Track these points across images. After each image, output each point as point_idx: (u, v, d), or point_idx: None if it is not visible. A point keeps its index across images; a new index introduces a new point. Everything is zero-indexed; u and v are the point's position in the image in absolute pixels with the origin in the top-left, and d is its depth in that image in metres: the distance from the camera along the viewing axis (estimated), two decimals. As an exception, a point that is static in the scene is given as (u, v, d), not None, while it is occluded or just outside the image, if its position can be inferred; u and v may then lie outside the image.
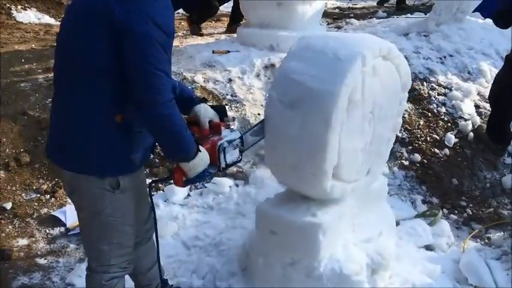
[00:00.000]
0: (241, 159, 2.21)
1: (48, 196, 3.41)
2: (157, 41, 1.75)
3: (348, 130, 2.23)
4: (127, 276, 2.27)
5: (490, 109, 4.23)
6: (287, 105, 2.22)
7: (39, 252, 2.98)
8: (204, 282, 2.71)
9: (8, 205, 3.27)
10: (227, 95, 4.16)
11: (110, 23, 1.73)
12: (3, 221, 3.18)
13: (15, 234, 3.11)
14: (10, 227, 3.16)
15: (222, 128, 2.16)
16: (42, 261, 2.92)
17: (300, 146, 2.20)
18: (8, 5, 6.16)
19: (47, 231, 3.16)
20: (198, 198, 3.47)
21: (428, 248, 3.17)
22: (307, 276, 2.38)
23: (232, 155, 2.12)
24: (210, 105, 2.21)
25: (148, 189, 2.11)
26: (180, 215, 3.29)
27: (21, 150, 3.64)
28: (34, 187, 3.46)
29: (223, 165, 2.10)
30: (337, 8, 8.07)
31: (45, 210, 3.30)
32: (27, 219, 3.22)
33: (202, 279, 2.72)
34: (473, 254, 3.07)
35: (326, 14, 7.22)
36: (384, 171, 3.81)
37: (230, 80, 4.28)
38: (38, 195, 3.41)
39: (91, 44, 1.77)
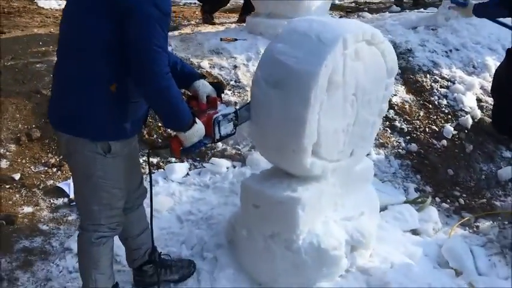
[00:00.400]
0: (235, 132, 2.36)
1: (55, 169, 3.60)
2: (156, 20, 1.93)
3: (328, 110, 2.34)
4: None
5: (493, 101, 4.28)
6: (271, 85, 2.34)
7: (42, 220, 3.17)
8: (192, 252, 2.86)
9: (17, 176, 3.47)
10: (231, 80, 4.29)
11: (112, 2, 1.91)
12: (11, 190, 3.39)
13: (22, 202, 3.31)
14: (17, 195, 3.36)
15: (218, 103, 2.33)
16: (44, 227, 3.11)
17: (281, 124, 2.32)
18: (30, -10, 6.42)
19: (51, 201, 3.35)
20: (196, 177, 3.62)
21: (415, 233, 3.25)
22: (286, 249, 2.50)
23: (226, 128, 2.29)
24: (209, 82, 2.37)
25: (147, 156, 2.31)
26: (177, 191, 3.44)
27: (33, 126, 3.84)
28: (43, 160, 3.66)
29: (217, 137, 2.26)
30: (354, 2, 8.11)
31: (51, 182, 3.49)
32: (33, 190, 3.42)
33: (191, 250, 2.88)
34: (458, 239, 3.15)
35: (341, 8, 7.31)
36: (376, 156, 3.91)
37: (235, 67, 4.42)
38: (46, 168, 3.60)
39: (93, 17, 1.96)
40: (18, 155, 3.66)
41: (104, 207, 2.23)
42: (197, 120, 2.14)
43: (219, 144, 3.82)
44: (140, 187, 2.50)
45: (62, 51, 2.13)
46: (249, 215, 2.60)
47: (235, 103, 4.08)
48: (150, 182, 2.36)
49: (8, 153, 3.62)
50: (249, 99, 4.17)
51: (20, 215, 3.17)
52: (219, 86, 2.40)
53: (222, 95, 2.45)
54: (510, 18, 3.92)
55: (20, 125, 3.83)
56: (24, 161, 3.64)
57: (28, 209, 3.25)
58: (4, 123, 3.78)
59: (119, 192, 2.25)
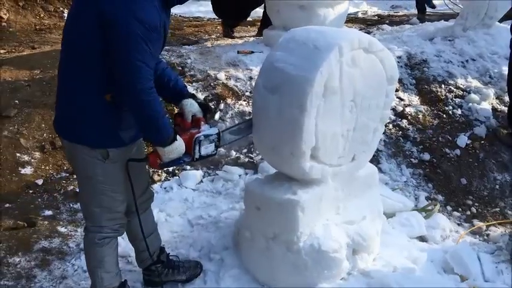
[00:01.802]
0: (215, 153, 2.42)
1: (75, 176, 3.78)
2: (139, 35, 1.97)
3: (326, 115, 2.42)
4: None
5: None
6: (269, 91, 2.44)
7: (61, 222, 3.34)
8: (200, 254, 2.97)
9: (40, 181, 3.67)
10: (246, 91, 4.42)
11: (98, 13, 1.98)
12: (34, 195, 3.58)
13: (43, 206, 3.49)
14: (39, 200, 3.55)
15: (202, 123, 2.37)
16: (62, 229, 3.27)
17: (280, 128, 2.42)
18: (61, 8, 6.74)
19: (71, 205, 3.53)
20: (209, 184, 3.74)
21: (422, 239, 3.27)
22: (287, 250, 2.58)
23: (207, 148, 2.34)
24: (197, 102, 2.42)
25: (126, 166, 2.31)
26: (190, 197, 3.57)
27: (56, 135, 4.05)
28: (64, 167, 3.85)
29: (196, 156, 2.32)
30: (377, 15, 8.16)
31: (72, 187, 3.67)
32: (54, 194, 3.61)
33: (199, 252, 2.98)
34: (465, 246, 3.15)
35: (363, 20, 7.38)
36: (388, 165, 3.95)
37: (251, 78, 4.54)
38: (67, 175, 3.79)
39: (84, 28, 2.05)
40: (42, 162, 3.86)
41: (105, 210, 2.35)
42: (178, 137, 2.21)
43: (233, 152, 3.94)
44: (147, 191, 2.61)
45: (62, 61, 2.22)
46: (251, 217, 2.70)
47: (250, 113, 4.20)
48: (133, 190, 2.34)
49: (32, 160, 3.83)
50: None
51: (40, 218, 3.36)
52: (206, 107, 2.45)
53: (208, 116, 2.49)
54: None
55: (44, 134, 4.04)
56: (47, 168, 3.84)
57: (48, 212, 3.43)
58: (31, 132, 4.00)
59: (119, 196, 2.36)
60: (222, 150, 3.79)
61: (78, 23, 2.10)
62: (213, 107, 4.14)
